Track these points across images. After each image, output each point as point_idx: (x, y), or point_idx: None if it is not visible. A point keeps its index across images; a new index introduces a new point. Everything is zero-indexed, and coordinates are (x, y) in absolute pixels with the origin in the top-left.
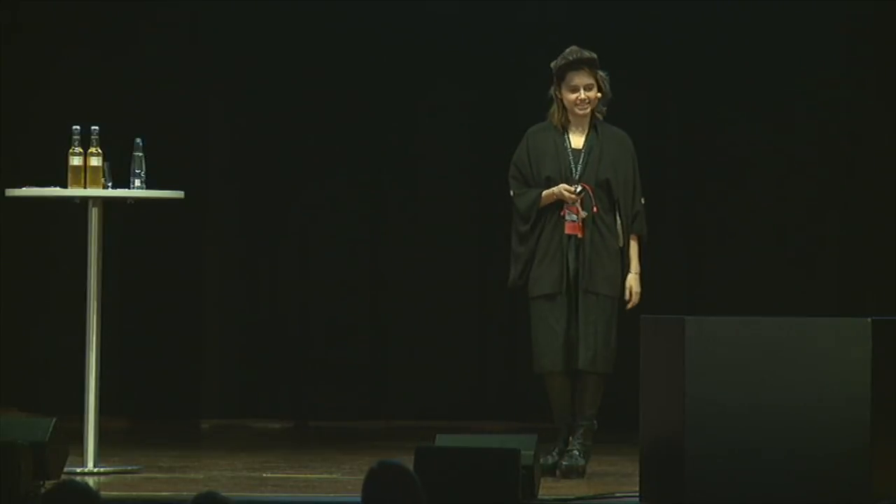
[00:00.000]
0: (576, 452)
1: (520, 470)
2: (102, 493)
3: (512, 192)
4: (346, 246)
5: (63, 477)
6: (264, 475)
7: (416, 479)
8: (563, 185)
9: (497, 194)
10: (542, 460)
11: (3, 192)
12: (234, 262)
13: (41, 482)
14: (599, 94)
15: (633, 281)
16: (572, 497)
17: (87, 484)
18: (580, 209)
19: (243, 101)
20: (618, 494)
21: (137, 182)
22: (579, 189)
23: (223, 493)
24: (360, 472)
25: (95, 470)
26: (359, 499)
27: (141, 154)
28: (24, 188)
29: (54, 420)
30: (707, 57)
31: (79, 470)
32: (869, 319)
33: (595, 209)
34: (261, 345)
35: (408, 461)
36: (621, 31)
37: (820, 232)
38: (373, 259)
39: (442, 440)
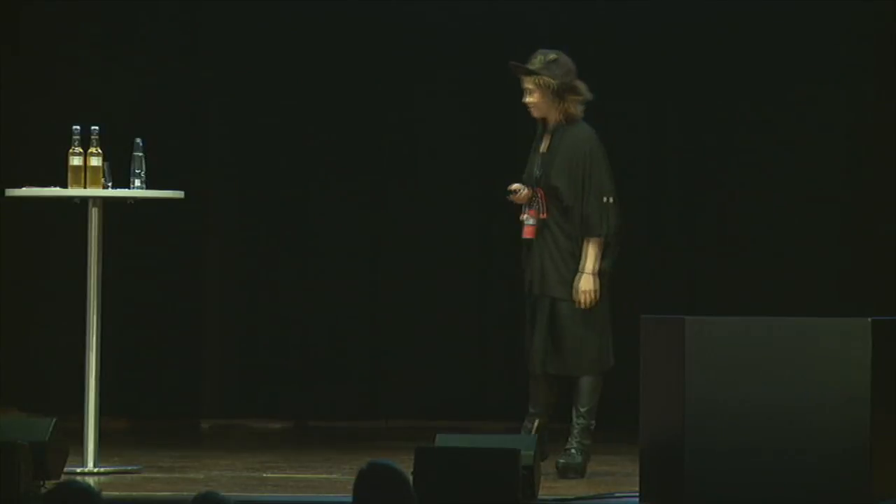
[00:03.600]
0: (573, 451)
1: (520, 470)
2: (103, 493)
3: None
4: (346, 246)
5: (63, 477)
6: (264, 475)
7: (407, 479)
8: (517, 184)
9: (497, 195)
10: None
11: (3, 192)
12: (234, 262)
13: (41, 482)
14: (535, 98)
15: (579, 281)
16: (572, 497)
17: (87, 484)
18: (530, 213)
19: (243, 101)
20: (618, 494)
21: (137, 182)
22: (514, 188)
23: (223, 493)
24: None
25: (95, 470)
26: None
27: (141, 154)
28: (24, 188)
29: (54, 420)
30: (708, 57)
31: (79, 470)
32: (869, 319)
33: (544, 214)
34: (261, 345)
35: (408, 461)
36: (622, 32)
37: (820, 232)
38: (373, 259)
39: (442, 440)
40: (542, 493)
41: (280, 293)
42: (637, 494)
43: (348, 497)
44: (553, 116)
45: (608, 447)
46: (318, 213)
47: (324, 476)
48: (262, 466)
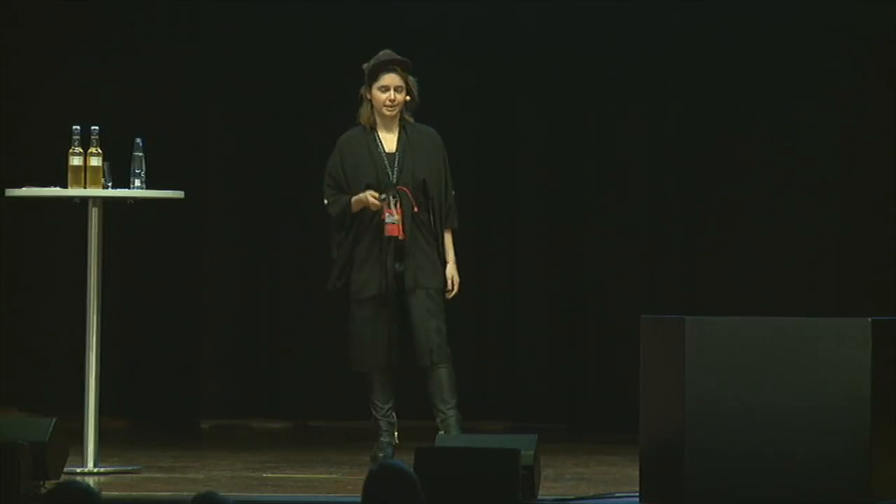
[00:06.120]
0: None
1: (520, 470)
2: (102, 493)
3: (326, 201)
4: None
5: (63, 477)
6: (264, 475)
7: (416, 480)
8: (370, 192)
9: (496, 196)
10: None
11: (3, 192)
12: (233, 261)
13: (41, 482)
14: (408, 98)
15: (452, 271)
16: (572, 497)
17: (87, 484)
18: (395, 211)
19: (243, 101)
20: (618, 494)
21: (137, 182)
22: (384, 196)
23: (223, 493)
24: (360, 472)
25: (95, 470)
26: (359, 499)
27: (141, 154)
28: (24, 188)
29: (54, 420)
30: (708, 57)
31: (79, 470)
32: (869, 319)
33: (415, 209)
34: (261, 345)
35: (408, 461)
36: (623, 30)
37: (820, 232)
38: None
39: (442, 440)
40: (542, 493)
41: (280, 293)
42: (637, 494)
43: (348, 497)
44: (399, 118)
45: (608, 447)
46: (318, 212)
47: (324, 476)
48: (262, 466)
